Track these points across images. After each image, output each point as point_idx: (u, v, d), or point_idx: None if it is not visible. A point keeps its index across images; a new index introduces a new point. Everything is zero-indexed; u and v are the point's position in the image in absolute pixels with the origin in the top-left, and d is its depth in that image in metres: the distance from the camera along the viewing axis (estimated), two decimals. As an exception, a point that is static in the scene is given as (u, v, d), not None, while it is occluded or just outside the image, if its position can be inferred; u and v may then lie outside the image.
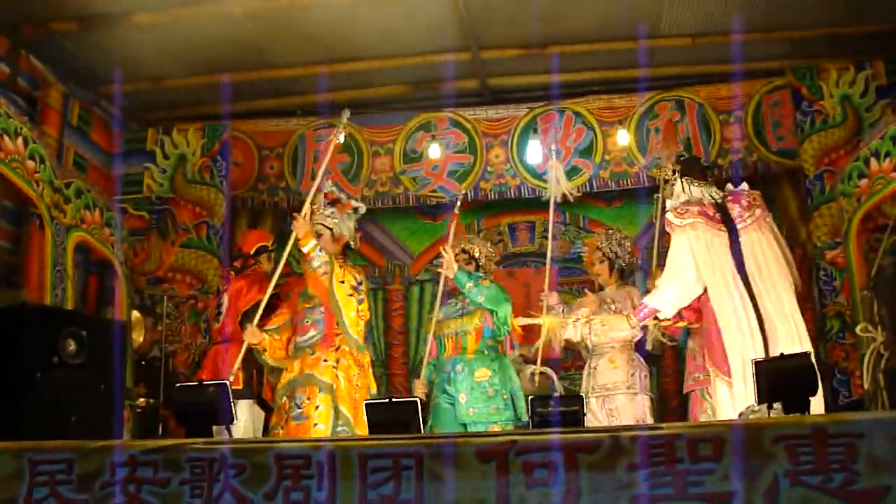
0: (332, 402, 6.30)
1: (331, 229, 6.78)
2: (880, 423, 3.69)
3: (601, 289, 7.48)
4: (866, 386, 4.85)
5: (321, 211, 6.81)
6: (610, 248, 7.43)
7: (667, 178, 6.91)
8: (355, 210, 6.99)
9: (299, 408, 6.28)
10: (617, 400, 6.96)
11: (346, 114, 6.89)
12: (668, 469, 3.65)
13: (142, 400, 7.72)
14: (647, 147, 9.06)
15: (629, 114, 9.15)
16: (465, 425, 6.61)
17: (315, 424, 6.21)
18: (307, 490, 3.83)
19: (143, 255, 8.93)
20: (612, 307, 7.14)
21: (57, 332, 5.00)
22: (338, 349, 6.48)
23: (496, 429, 6.53)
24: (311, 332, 6.57)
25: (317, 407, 6.28)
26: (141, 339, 8.12)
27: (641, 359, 7.22)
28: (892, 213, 6.16)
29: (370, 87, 9.22)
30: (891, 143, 6.84)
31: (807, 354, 4.51)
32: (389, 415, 4.47)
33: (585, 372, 7.26)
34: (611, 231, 7.66)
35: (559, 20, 7.98)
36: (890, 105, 8.27)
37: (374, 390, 6.69)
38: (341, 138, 6.86)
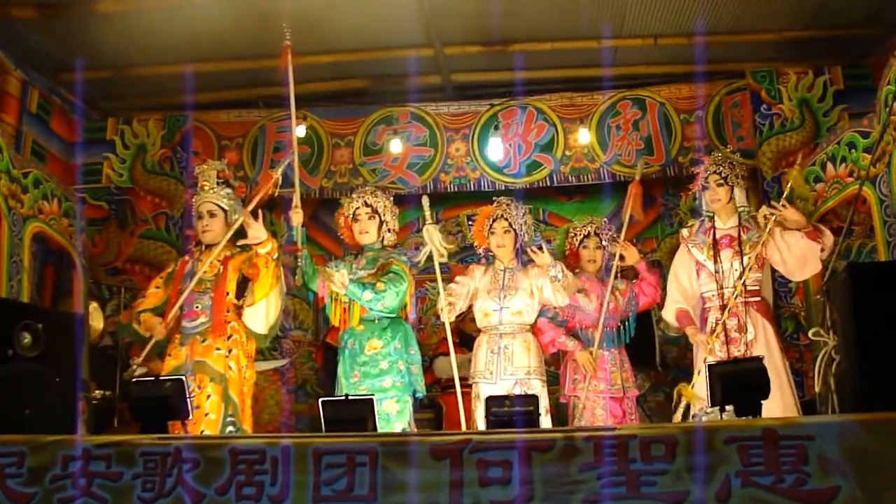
0: (223, 391, 6.06)
1: (225, 211, 6.42)
2: (830, 427, 3.75)
3: (485, 262, 6.94)
4: (818, 389, 4.91)
5: (215, 189, 6.45)
6: (516, 220, 6.74)
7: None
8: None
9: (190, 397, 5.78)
10: (534, 387, 6.45)
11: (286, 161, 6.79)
12: (622, 469, 3.69)
13: (97, 392, 7.66)
14: (608, 144, 9.16)
15: (591, 111, 9.23)
16: None
17: (207, 414, 5.96)
18: (260, 485, 3.83)
19: (101, 246, 8.89)
20: (513, 288, 6.63)
21: (11, 325, 4.96)
22: (230, 338, 6.23)
23: (392, 404, 6.17)
24: (202, 319, 6.23)
25: (208, 396, 6.02)
26: (100, 328, 8.06)
27: None
28: (847, 217, 6.21)
29: (333, 81, 9.23)
30: (846, 149, 6.90)
31: (759, 359, 4.55)
32: (345, 412, 4.47)
33: (488, 349, 6.62)
34: (513, 201, 6.96)
35: (522, 18, 8.01)
36: (847, 110, 8.38)
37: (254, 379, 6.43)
38: (280, 172, 6.68)
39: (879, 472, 3.59)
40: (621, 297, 7.03)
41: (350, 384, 6.28)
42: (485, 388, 6.43)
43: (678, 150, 9.02)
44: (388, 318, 6.39)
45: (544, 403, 6.46)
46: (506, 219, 6.72)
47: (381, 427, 5.75)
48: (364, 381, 6.26)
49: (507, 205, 6.82)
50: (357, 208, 6.59)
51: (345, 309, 6.40)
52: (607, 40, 8.32)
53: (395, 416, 6.21)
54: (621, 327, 7.01)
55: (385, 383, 6.24)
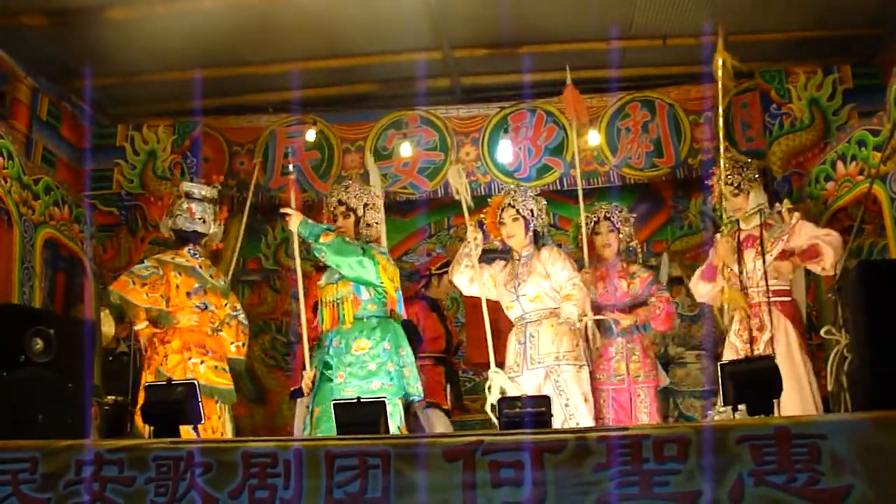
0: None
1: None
2: (842, 424, 3.76)
3: (504, 254, 6.94)
4: (830, 387, 4.92)
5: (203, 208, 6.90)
6: (525, 206, 6.68)
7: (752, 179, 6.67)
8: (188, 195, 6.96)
9: None
10: (564, 372, 6.36)
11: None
12: (635, 469, 3.70)
13: (109, 397, 7.67)
14: (617, 147, 9.10)
15: (600, 114, 9.18)
16: None
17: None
18: (273, 488, 3.84)
19: (112, 252, 8.89)
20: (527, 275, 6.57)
21: (24, 331, 4.97)
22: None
23: None
24: None
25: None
26: (112, 333, 8.06)
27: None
28: (857, 215, 6.21)
29: (342, 85, 9.23)
30: (857, 147, 6.90)
31: (770, 357, 4.55)
32: (357, 415, 4.47)
33: (516, 341, 6.56)
34: (521, 186, 7.05)
35: (531, 20, 7.99)
36: (856, 109, 8.32)
37: None
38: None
39: (892, 470, 3.59)
40: (639, 285, 6.97)
41: (337, 385, 6.11)
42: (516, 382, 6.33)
43: (688, 152, 8.99)
44: (376, 317, 6.26)
45: (580, 390, 6.35)
46: (513, 206, 6.66)
47: None
48: (351, 382, 6.09)
49: (514, 191, 6.80)
50: (333, 206, 6.51)
51: (334, 307, 6.29)
52: (616, 41, 8.29)
53: None
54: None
55: (373, 385, 6.04)
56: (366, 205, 6.48)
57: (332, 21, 7.80)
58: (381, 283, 6.19)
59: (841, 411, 4.70)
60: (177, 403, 4.56)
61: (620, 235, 7.11)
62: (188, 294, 6.68)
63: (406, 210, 9.51)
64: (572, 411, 6.25)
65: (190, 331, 6.66)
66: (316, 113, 9.34)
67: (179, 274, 6.69)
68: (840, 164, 7.12)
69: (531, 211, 6.68)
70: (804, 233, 6.37)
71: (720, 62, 6.76)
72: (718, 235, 6.80)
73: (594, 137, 9.05)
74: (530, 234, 6.71)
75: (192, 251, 6.85)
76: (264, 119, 9.54)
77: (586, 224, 7.22)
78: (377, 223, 6.58)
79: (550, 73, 9.02)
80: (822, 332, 5.16)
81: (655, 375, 6.90)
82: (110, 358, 7.98)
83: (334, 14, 7.70)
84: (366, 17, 7.83)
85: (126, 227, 9.05)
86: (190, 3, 7.51)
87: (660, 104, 9.12)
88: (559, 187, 9.22)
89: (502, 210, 6.74)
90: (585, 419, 6.24)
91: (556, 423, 5.99)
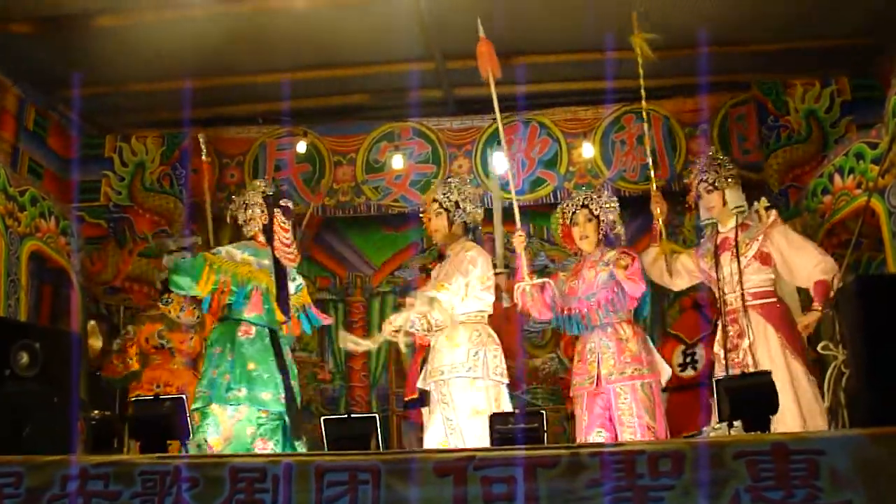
0: None
1: None
2: (841, 440, 3.74)
3: (441, 257, 6.33)
4: (827, 403, 4.90)
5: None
6: (447, 198, 6.20)
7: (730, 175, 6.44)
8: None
9: None
10: (452, 385, 5.79)
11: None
12: (629, 484, 3.67)
13: (96, 412, 7.59)
14: (612, 159, 9.08)
15: (594, 126, 9.16)
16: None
17: None
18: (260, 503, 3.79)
19: (99, 264, 8.81)
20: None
21: (9, 344, 4.92)
22: None
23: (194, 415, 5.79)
24: None
25: None
26: (99, 346, 8.01)
27: (493, 334, 6.05)
28: (855, 229, 6.16)
29: (333, 96, 9.19)
30: (854, 160, 6.88)
31: (767, 373, 4.50)
32: (347, 430, 4.42)
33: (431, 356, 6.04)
34: (451, 178, 6.64)
35: (525, 31, 7.96)
36: (854, 121, 8.31)
37: None
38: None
39: (891, 486, 3.57)
40: (607, 271, 6.25)
41: None
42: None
43: (683, 165, 8.91)
44: (227, 320, 6.14)
45: (470, 403, 5.74)
46: (436, 200, 6.26)
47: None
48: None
49: (442, 184, 6.41)
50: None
51: None
52: (611, 53, 8.24)
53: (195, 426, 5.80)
54: (605, 308, 6.22)
55: (192, 389, 6.03)
56: (244, 204, 6.38)
57: (324, 31, 7.78)
58: (198, 287, 6.01)
59: (839, 427, 4.66)
60: (164, 418, 4.53)
61: (601, 224, 6.44)
62: (146, 340, 7.63)
63: (398, 223, 9.42)
64: (454, 426, 5.73)
65: (151, 369, 7.57)
66: (307, 124, 9.29)
67: (144, 324, 7.69)
68: (838, 178, 7.09)
69: (455, 203, 6.20)
70: (779, 244, 6.16)
71: (637, 46, 6.98)
72: (702, 240, 6.72)
73: (588, 150, 9.01)
74: (454, 228, 6.23)
75: (164, 300, 7.73)
76: (254, 130, 9.50)
77: (563, 214, 6.62)
78: (251, 219, 6.35)
79: (545, 84, 8.99)
80: (819, 348, 5.13)
81: (640, 370, 6.09)
82: (97, 372, 7.93)
83: (326, 24, 7.69)
84: (358, 28, 7.80)
85: (114, 240, 8.97)
86: (180, 12, 7.47)
87: (654, 116, 9.05)
88: (553, 201, 9.12)
89: (431, 203, 6.35)
90: (475, 437, 5.57)
91: (435, 439, 5.78)
